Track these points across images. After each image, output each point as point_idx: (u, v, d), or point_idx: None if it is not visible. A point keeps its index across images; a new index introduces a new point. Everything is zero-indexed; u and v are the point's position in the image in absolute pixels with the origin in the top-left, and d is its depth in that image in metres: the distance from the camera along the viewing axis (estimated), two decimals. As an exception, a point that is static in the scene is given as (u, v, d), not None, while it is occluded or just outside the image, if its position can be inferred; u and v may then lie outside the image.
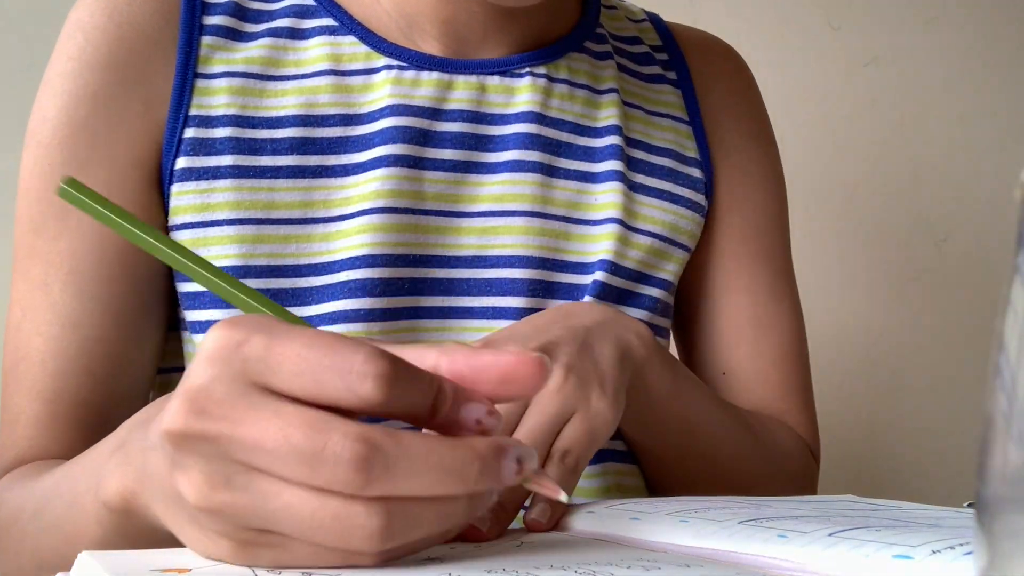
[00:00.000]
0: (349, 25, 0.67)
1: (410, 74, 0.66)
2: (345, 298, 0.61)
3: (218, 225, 0.62)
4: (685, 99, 0.76)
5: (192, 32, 0.65)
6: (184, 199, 0.62)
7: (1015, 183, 0.21)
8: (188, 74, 0.64)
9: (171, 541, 0.38)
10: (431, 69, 0.66)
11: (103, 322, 0.62)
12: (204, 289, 0.62)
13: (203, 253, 0.62)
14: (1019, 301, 0.20)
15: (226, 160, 0.62)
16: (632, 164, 0.70)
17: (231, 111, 0.63)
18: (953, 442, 1.39)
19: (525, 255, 0.65)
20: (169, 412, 0.32)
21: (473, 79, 0.67)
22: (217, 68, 0.65)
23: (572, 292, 0.66)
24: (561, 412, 0.49)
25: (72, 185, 0.40)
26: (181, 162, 0.63)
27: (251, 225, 0.62)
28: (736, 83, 0.80)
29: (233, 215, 0.62)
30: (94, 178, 0.62)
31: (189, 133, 0.63)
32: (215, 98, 0.64)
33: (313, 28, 0.67)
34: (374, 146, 0.64)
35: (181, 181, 0.62)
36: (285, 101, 0.64)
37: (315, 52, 0.66)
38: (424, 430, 0.34)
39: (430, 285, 0.64)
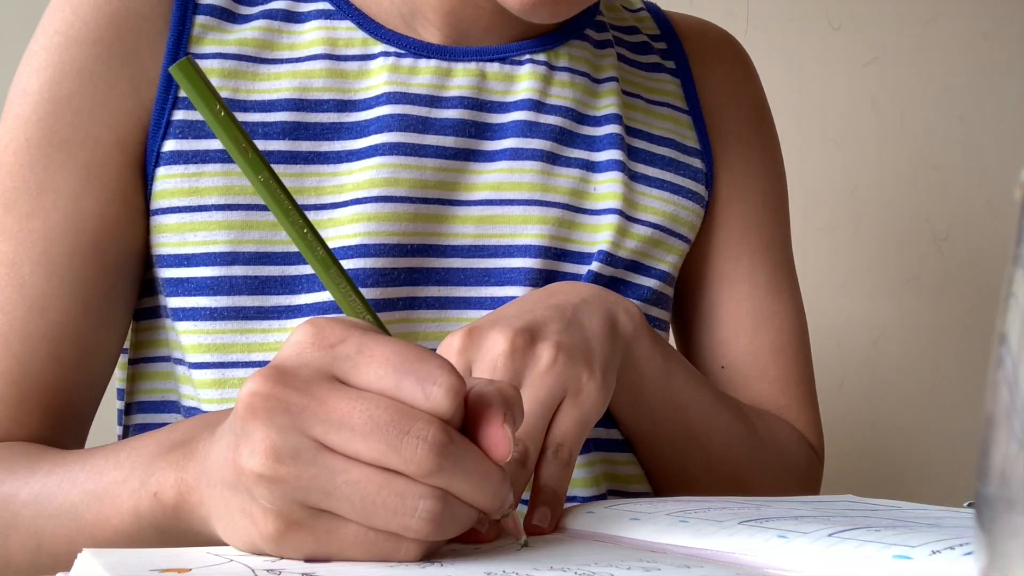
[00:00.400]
0: (346, 10, 0.66)
1: (407, 61, 0.65)
2: None
3: (206, 210, 0.61)
4: (684, 88, 0.76)
5: (185, 11, 0.64)
6: (171, 182, 0.61)
7: (1015, 183, 0.21)
8: (179, 54, 0.63)
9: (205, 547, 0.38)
10: (429, 57, 0.66)
11: (72, 306, 0.60)
12: (189, 276, 0.61)
13: (190, 238, 0.60)
14: (1020, 291, 0.20)
15: (215, 144, 0.61)
16: (633, 153, 0.70)
17: (223, 94, 0.62)
18: (953, 442, 1.39)
19: (524, 244, 0.64)
20: (254, 378, 0.34)
21: (472, 66, 0.66)
22: (209, 49, 0.63)
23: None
24: (553, 395, 0.48)
25: (187, 66, 0.38)
26: (169, 144, 0.61)
27: (240, 211, 0.61)
28: (734, 71, 0.79)
29: (222, 200, 0.61)
30: (74, 158, 0.60)
31: (178, 115, 0.62)
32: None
33: (309, 12, 0.66)
34: (369, 134, 0.63)
35: (168, 164, 0.61)
36: (278, 84, 0.63)
37: (310, 36, 0.65)
38: None
39: (426, 275, 0.63)
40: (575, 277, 0.65)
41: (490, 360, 0.48)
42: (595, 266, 0.65)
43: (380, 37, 0.66)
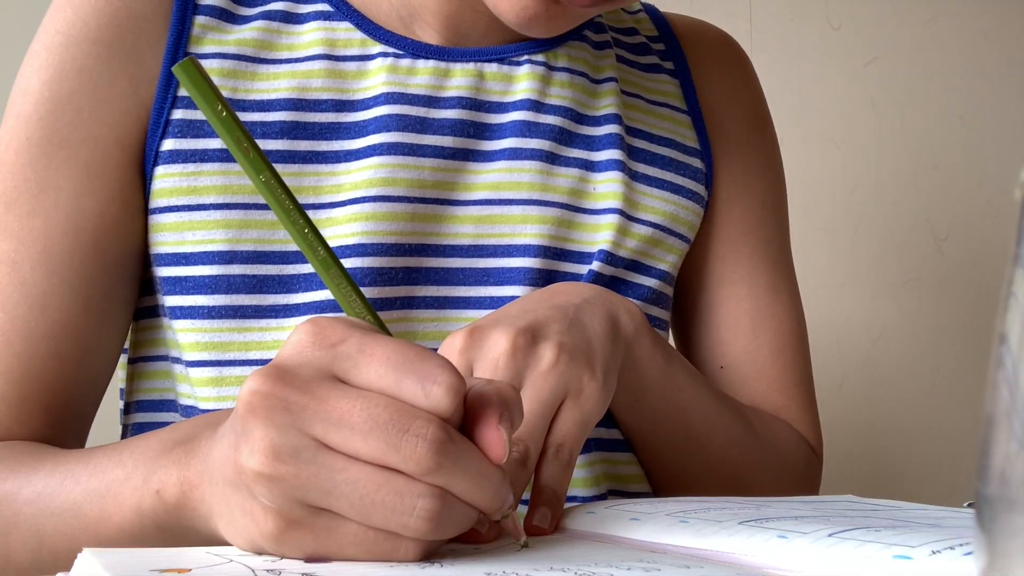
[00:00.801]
0: (345, 11, 0.66)
1: (406, 62, 0.65)
2: None
3: (204, 209, 0.61)
4: (683, 89, 0.76)
5: (185, 11, 0.64)
6: (169, 181, 0.61)
7: (1015, 183, 0.21)
8: (179, 54, 0.63)
9: (207, 546, 0.39)
10: (427, 57, 0.66)
11: (72, 305, 0.60)
12: (187, 275, 0.61)
13: (189, 237, 0.61)
14: (1020, 291, 0.20)
15: (214, 143, 0.61)
16: (633, 153, 0.70)
17: (222, 93, 0.63)
18: (953, 442, 1.39)
19: (523, 244, 0.64)
20: (254, 377, 0.34)
21: (471, 67, 0.67)
22: (209, 49, 0.64)
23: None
24: (554, 395, 0.48)
25: (190, 66, 0.38)
26: (168, 144, 0.61)
27: (238, 210, 0.61)
28: (733, 72, 0.79)
29: (220, 199, 0.61)
30: (75, 157, 0.61)
31: (177, 114, 0.62)
32: None
33: (308, 13, 0.66)
34: (367, 133, 0.63)
35: (167, 163, 0.61)
36: (277, 84, 0.64)
37: (309, 37, 0.65)
38: None
39: (425, 274, 0.63)
40: (574, 277, 0.65)
41: (492, 360, 0.48)
42: (596, 265, 0.65)
43: (379, 38, 0.66)
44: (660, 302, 0.70)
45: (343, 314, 0.42)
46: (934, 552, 0.32)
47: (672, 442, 0.63)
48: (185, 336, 0.61)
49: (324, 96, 0.64)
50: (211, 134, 0.61)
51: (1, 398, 0.59)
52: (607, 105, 0.70)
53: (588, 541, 0.42)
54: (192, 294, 0.61)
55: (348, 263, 0.61)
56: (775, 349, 0.74)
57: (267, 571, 0.34)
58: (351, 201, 0.62)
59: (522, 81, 0.67)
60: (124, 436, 0.67)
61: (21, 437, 0.59)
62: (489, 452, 0.36)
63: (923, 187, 1.41)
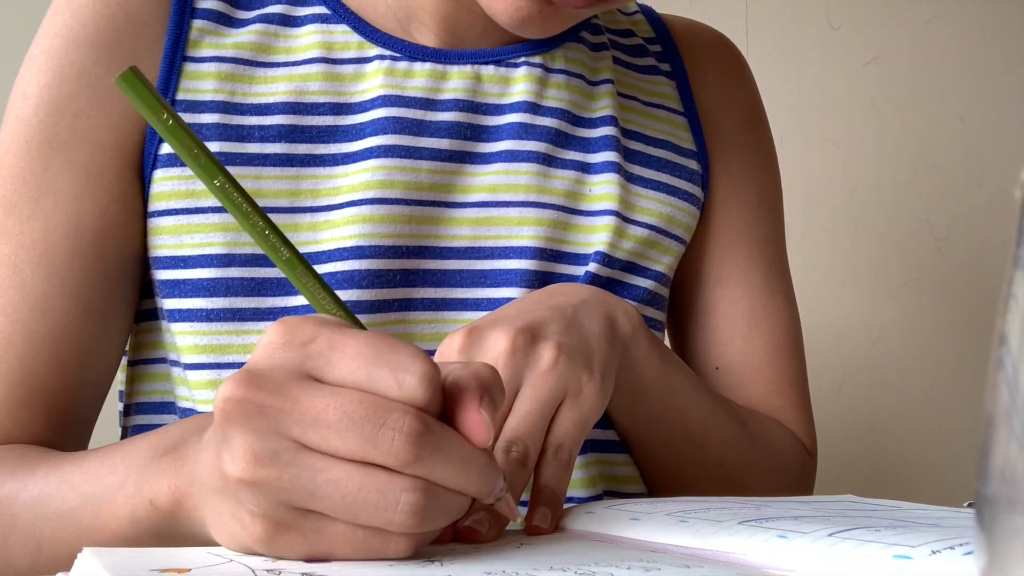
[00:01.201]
0: (342, 14, 0.66)
1: (403, 64, 0.65)
2: (334, 289, 0.61)
3: (203, 212, 0.61)
4: (679, 90, 0.76)
5: (183, 15, 0.64)
6: (168, 185, 0.61)
7: (1015, 183, 0.21)
8: (176, 57, 0.63)
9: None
10: (424, 60, 0.66)
11: (73, 308, 0.60)
12: (185, 278, 0.61)
13: (187, 240, 0.61)
14: (1020, 293, 0.20)
15: (213, 147, 0.61)
16: (629, 155, 0.70)
17: (219, 97, 0.63)
18: (953, 442, 1.39)
19: (520, 245, 0.64)
20: (227, 384, 0.34)
21: (468, 69, 0.67)
22: (206, 52, 0.64)
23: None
24: (553, 395, 0.49)
25: (131, 76, 0.38)
26: (166, 147, 0.62)
27: None
28: (729, 73, 0.79)
29: (218, 203, 0.61)
30: (74, 160, 0.61)
31: None
32: (203, 83, 0.63)
33: (305, 16, 0.66)
34: (365, 136, 0.63)
35: (165, 167, 0.61)
36: (274, 88, 0.64)
37: (306, 40, 0.65)
38: None
39: (422, 276, 0.63)
40: (571, 278, 0.65)
41: (491, 359, 0.49)
42: (592, 267, 0.65)
43: (376, 40, 0.66)
44: (656, 303, 0.70)
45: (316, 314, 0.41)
46: (934, 552, 0.32)
47: (668, 443, 0.63)
48: (183, 339, 0.61)
49: (321, 99, 0.64)
50: (208, 138, 0.62)
51: (2, 401, 0.59)
52: (603, 107, 0.70)
53: (588, 541, 0.42)
54: (190, 297, 0.61)
55: (345, 265, 0.61)
56: (770, 350, 0.74)
57: (267, 571, 0.34)
58: (348, 204, 0.62)
59: (519, 83, 0.67)
60: (124, 438, 0.67)
61: (22, 440, 0.59)
62: (471, 436, 0.36)
63: (923, 187, 1.41)
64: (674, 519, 0.42)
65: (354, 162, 0.63)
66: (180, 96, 0.62)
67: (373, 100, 0.64)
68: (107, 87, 0.62)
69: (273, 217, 0.61)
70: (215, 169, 0.39)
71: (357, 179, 0.62)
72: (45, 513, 0.50)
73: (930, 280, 1.41)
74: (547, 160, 0.67)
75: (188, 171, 0.61)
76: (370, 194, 0.62)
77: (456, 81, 0.66)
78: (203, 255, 0.61)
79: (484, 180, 0.65)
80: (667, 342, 0.78)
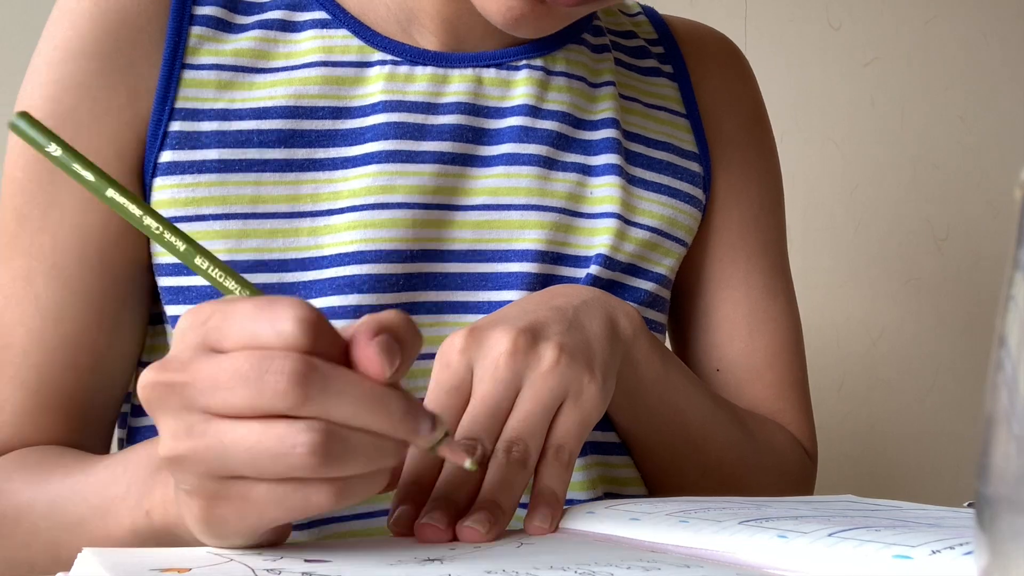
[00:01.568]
0: (342, 18, 0.66)
1: (404, 69, 0.65)
2: (334, 294, 0.61)
3: (203, 220, 0.61)
4: (682, 92, 0.76)
5: (182, 21, 0.64)
6: (168, 193, 0.61)
7: (1015, 183, 0.21)
8: (175, 65, 0.63)
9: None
10: (425, 64, 0.66)
11: (85, 316, 0.62)
12: (189, 284, 0.62)
13: None
14: (1020, 295, 0.20)
15: (212, 154, 0.62)
16: (630, 158, 0.70)
17: (218, 105, 0.63)
18: (953, 442, 1.39)
19: (522, 248, 0.65)
20: (142, 375, 0.36)
21: (469, 72, 0.67)
22: (205, 60, 0.64)
23: None
24: (554, 396, 0.49)
25: (24, 120, 0.40)
26: (166, 155, 0.62)
27: (237, 220, 0.61)
28: (732, 74, 0.79)
29: (219, 210, 0.61)
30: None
31: (175, 126, 0.62)
32: (202, 91, 0.63)
33: (305, 21, 0.66)
34: (365, 141, 0.63)
35: (165, 175, 0.62)
36: (273, 92, 0.64)
37: (306, 45, 0.65)
38: None
39: (424, 280, 0.63)
40: (572, 281, 0.66)
41: (492, 360, 0.49)
42: (594, 269, 0.65)
43: (376, 45, 0.66)
44: (656, 305, 0.70)
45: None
46: (934, 552, 0.32)
47: (668, 444, 0.63)
48: None
49: (321, 103, 0.64)
50: (208, 146, 0.62)
51: (22, 408, 0.61)
52: (605, 109, 0.70)
53: (588, 541, 0.42)
54: (193, 303, 0.61)
55: (347, 270, 0.61)
56: (771, 352, 0.74)
57: (267, 570, 0.34)
58: (349, 209, 0.62)
59: (520, 86, 0.67)
60: (131, 439, 0.68)
61: (40, 443, 0.61)
62: (367, 370, 0.36)
63: (923, 187, 1.41)
64: (674, 519, 0.42)
65: (355, 167, 0.63)
66: (179, 105, 0.63)
67: (374, 105, 0.64)
68: (107, 97, 0.63)
69: (273, 223, 0.62)
70: (105, 182, 0.41)
71: (358, 184, 0.62)
72: (61, 523, 0.52)
73: (930, 280, 1.41)
74: (548, 163, 0.67)
75: (187, 179, 0.62)
76: (371, 199, 0.62)
77: (457, 84, 0.66)
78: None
79: (485, 183, 0.65)
80: (668, 344, 0.78)
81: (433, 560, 0.36)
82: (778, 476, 0.69)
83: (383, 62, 0.65)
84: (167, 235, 0.41)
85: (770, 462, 0.68)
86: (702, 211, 0.74)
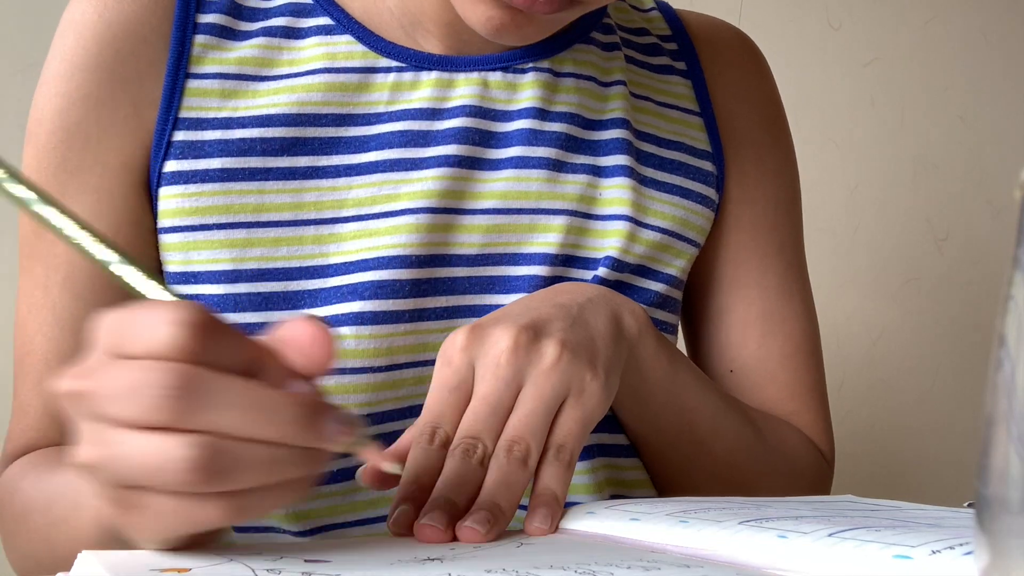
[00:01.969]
0: (346, 24, 0.66)
1: (409, 75, 0.65)
2: (340, 302, 0.61)
3: (208, 229, 0.61)
4: (696, 90, 0.74)
5: (185, 30, 0.64)
6: (173, 202, 0.62)
7: (1015, 183, 0.21)
8: (179, 75, 0.63)
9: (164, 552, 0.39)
10: (430, 68, 0.65)
11: None
12: (196, 293, 0.62)
13: (194, 257, 0.62)
14: (1020, 295, 0.20)
15: (215, 163, 0.62)
16: (642, 158, 0.69)
17: (222, 113, 0.63)
18: (953, 442, 1.39)
19: (531, 252, 0.64)
20: (59, 379, 0.36)
21: (475, 75, 0.66)
22: (209, 68, 0.64)
23: None
24: (556, 393, 0.48)
25: None
26: (170, 165, 0.62)
27: (241, 229, 0.61)
28: (748, 71, 0.77)
29: (223, 219, 0.61)
30: (86, 184, 0.62)
31: (179, 136, 0.62)
32: (206, 100, 0.63)
33: (309, 28, 0.66)
34: (370, 149, 0.63)
35: (170, 184, 0.62)
36: (277, 100, 0.63)
37: (310, 52, 0.65)
38: None
39: (434, 285, 0.63)
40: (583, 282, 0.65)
41: (493, 357, 0.48)
42: (601, 271, 0.65)
43: (380, 50, 0.65)
44: (667, 306, 0.69)
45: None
46: (934, 552, 0.32)
47: (677, 445, 0.63)
48: None
49: (325, 110, 0.64)
50: (211, 155, 0.62)
51: (44, 411, 0.62)
52: (615, 109, 0.69)
53: (588, 541, 0.42)
54: None
55: (354, 278, 0.61)
56: (786, 353, 0.73)
57: (267, 570, 0.34)
58: (355, 218, 0.62)
59: (527, 89, 0.67)
60: None
61: (64, 444, 0.62)
62: (307, 353, 0.36)
63: (923, 187, 1.41)
64: (674, 519, 0.42)
65: (359, 174, 0.63)
66: (183, 114, 0.63)
67: (379, 115, 0.64)
68: (112, 109, 0.63)
69: (277, 231, 0.62)
70: (33, 198, 0.40)
71: (363, 193, 0.62)
72: (51, 520, 0.52)
73: (930, 280, 1.41)
74: (557, 166, 0.66)
75: (191, 188, 0.62)
76: (376, 208, 0.62)
77: (463, 88, 0.66)
78: (211, 271, 0.61)
79: (494, 187, 0.65)
80: (682, 345, 0.78)
81: (433, 560, 0.36)
82: (791, 479, 0.68)
83: (388, 69, 0.65)
84: (83, 244, 0.40)
85: (782, 464, 0.68)
86: (715, 211, 0.73)
